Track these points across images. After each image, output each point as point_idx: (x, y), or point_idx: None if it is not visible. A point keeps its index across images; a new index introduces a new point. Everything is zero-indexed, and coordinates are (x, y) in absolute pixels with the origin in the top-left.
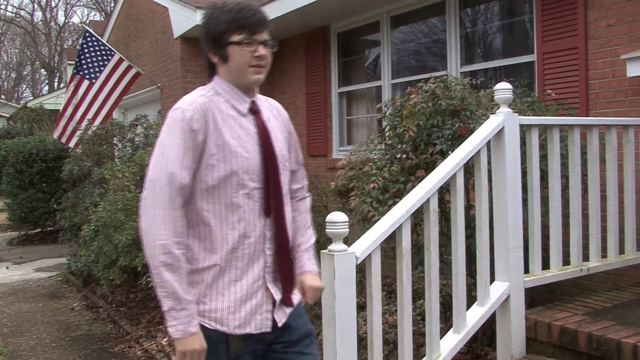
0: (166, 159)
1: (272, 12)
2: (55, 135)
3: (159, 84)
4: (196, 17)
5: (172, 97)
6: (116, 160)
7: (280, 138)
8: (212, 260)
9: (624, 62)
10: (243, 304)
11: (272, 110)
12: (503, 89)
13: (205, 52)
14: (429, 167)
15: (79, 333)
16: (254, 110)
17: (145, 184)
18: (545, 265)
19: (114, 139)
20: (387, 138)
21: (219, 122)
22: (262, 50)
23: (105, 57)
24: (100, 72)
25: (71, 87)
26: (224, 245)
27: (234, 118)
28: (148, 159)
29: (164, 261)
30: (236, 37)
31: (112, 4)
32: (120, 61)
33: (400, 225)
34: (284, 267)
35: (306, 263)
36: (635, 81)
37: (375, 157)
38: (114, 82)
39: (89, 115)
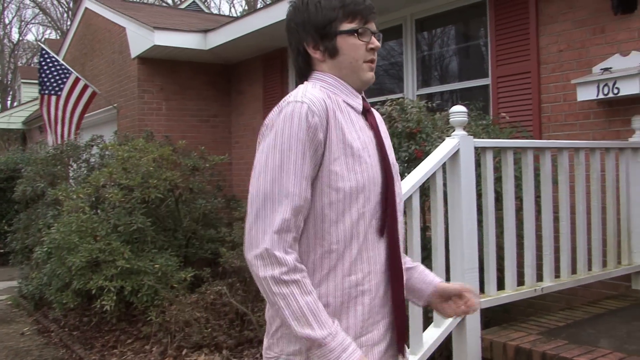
0: (283, 168)
1: (228, 34)
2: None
3: (115, 104)
4: (154, 38)
5: (128, 118)
6: (71, 181)
7: (389, 144)
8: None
9: (575, 86)
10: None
11: (374, 112)
12: (458, 112)
13: (296, 46)
14: None
15: (29, 359)
16: (366, 110)
17: (252, 200)
18: (501, 285)
19: (69, 159)
20: None
21: (340, 119)
22: (376, 42)
23: (63, 75)
24: (61, 88)
25: (44, 109)
26: None
27: (353, 116)
28: (103, 180)
29: (276, 300)
30: (348, 26)
31: (69, 23)
32: (77, 80)
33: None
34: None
35: (429, 274)
36: (585, 105)
37: None
38: (73, 101)
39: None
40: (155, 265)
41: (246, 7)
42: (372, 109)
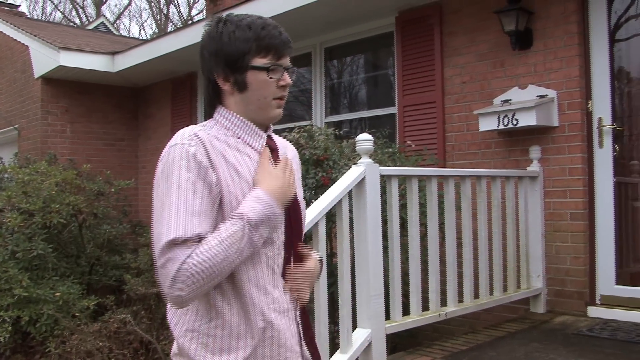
0: (175, 186)
1: (137, 57)
2: None
3: (16, 125)
4: (59, 58)
5: (30, 140)
6: None
7: (298, 182)
8: None
9: (477, 117)
10: None
11: (285, 146)
12: (364, 140)
13: (207, 75)
14: None
15: None
16: (272, 147)
17: (155, 219)
18: (406, 311)
19: None
20: None
21: (229, 158)
22: (288, 79)
23: None
24: None
25: None
26: None
27: (248, 155)
28: (1, 204)
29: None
30: (260, 61)
31: None
32: None
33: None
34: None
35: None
36: (487, 135)
37: None
38: None
39: None
40: (57, 294)
41: (156, 30)
42: (286, 145)
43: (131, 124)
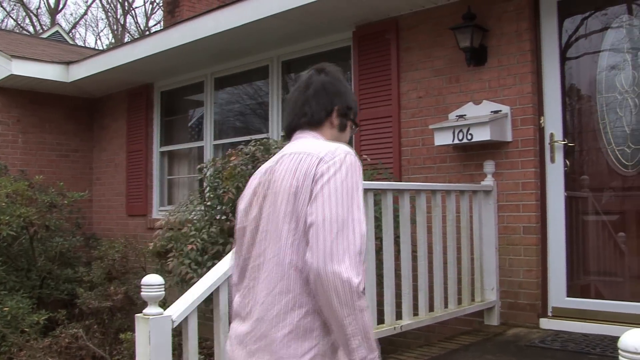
0: (355, 202)
1: (92, 67)
2: None
3: None
4: (11, 67)
5: None
6: None
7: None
8: None
9: (432, 131)
10: None
11: None
12: None
13: (327, 104)
14: None
15: None
16: None
17: (329, 226)
18: None
19: None
20: (206, 199)
21: None
22: None
23: None
24: None
25: None
26: None
27: None
28: None
29: (357, 307)
30: (352, 118)
31: None
32: None
33: (218, 288)
34: None
35: None
36: (442, 149)
37: (195, 218)
38: None
39: None
40: (5, 308)
41: (113, 41)
42: None
43: (86, 135)
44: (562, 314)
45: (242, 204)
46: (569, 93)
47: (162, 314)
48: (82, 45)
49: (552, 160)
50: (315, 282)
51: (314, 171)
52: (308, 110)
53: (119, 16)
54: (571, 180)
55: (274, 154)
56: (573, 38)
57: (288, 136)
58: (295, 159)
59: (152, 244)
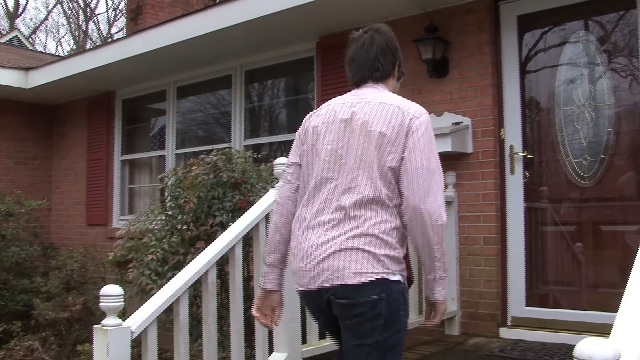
0: (436, 152)
1: (52, 73)
2: None
3: None
4: None
5: None
6: None
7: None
8: None
9: None
10: None
11: None
12: (281, 163)
13: (392, 59)
14: (210, 239)
15: None
16: None
17: (425, 173)
18: (323, 334)
19: None
20: (168, 209)
21: None
22: None
23: None
24: None
25: None
26: None
27: None
28: None
29: (443, 238)
30: (402, 69)
31: None
32: None
33: (178, 298)
34: None
35: None
36: None
37: (156, 227)
38: None
39: None
40: None
41: (74, 47)
42: None
43: (45, 143)
44: (522, 323)
45: (320, 128)
46: (528, 105)
47: (121, 325)
48: (43, 51)
49: (512, 171)
50: (413, 214)
51: (408, 124)
52: (379, 66)
53: (80, 22)
54: (530, 191)
55: (236, 163)
56: (533, 52)
57: (357, 86)
58: (384, 108)
59: (112, 253)
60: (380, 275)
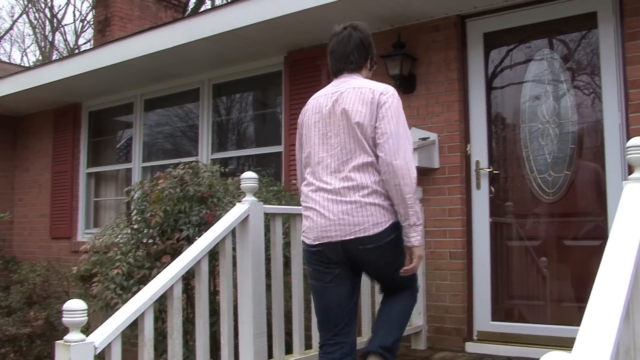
0: (403, 120)
1: (16, 84)
2: None
3: None
4: None
5: None
6: None
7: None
8: None
9: None
10: None
11: None
12: (249, 178)
13: (366, 53)
14: (176, 253)
15: None
16: None
17: (394, 136)
18: (289, 349)
19: None
20: (134, 222)
21: None
22: None
23: None
24: None
25: None
26: None
27: None
28: None
29: (414, 189)
30: (375, 60)
31: None
32: None
33: (143, 313)
34: None
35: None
36: None
37: (121, 241)
38: None
39: None
40: None
41: (40, 58)
42: None
43: (8, 154)
44: (487, 337)
45: (310, 120)
46: (494, 121)
47: (84, 340)
48: (7, 61)
49: (478, 186)
50: (387, 169)
51: (377, 99)
52: (353, 59)
53: (47, 33)
54: (496, 206)
55: (203, 177)
56: (499, 68)
57: (335, 76)
58: (359, 91)
59: (76, 267)
60: (392, 221)
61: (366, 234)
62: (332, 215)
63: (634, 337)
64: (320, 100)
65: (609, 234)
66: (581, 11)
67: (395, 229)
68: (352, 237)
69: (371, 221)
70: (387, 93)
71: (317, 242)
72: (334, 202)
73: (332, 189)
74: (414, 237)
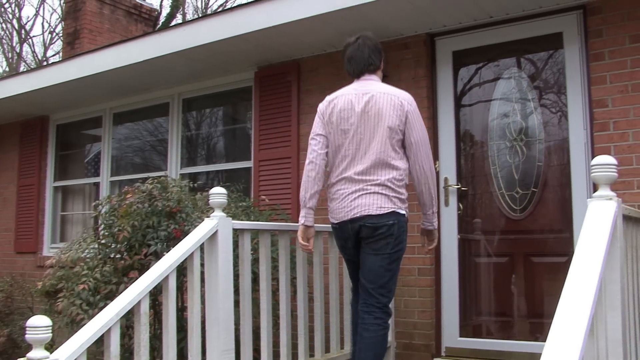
0: (424, 128)
1: None
2: None
3: None
4: None
5: None
6: None
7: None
8: None
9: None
10: None
11: None
12: (217, 193)
13: (378, 58)
14: (144, 268)
15: None
16: None
17: (423, 144)
18: None
19: None
20: (101, 237)
21: None
22: None
23: None
24: None
25: None
26: None
27: None
28: None
29: (435, 184)
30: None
31: None
32: None
33: (109, 329)
34: None
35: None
36: None
37: (88, 256)
38: None
39: None
40: None
41: (7, 69)
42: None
43: None
44: (455, 353)
45: (341, 113)
46: (463, 139)
47: (48, 357)
48: None
49: (446, 203)
50: (419, 173)
51: (404, 107)
52: (372, 61)
53: (14, 44)
54: (464, 223)
55: (172, 192)
56: (468, 86)
57: (357, 77)
58: (388, 97)
59: (41, 283)
60: (393, 209)
61: (370, 213)
62: (351, 202)
63: (597, 352)
64: (350, 97)
65: (574, 251)
66: (548, 31)
67: (397, 216)
68: (359, 215)
69: (377, 204)
70: (411, 102)
71: (339, 222)
72: (355, 191)
73: (358, 179)
74: (435, 222)
